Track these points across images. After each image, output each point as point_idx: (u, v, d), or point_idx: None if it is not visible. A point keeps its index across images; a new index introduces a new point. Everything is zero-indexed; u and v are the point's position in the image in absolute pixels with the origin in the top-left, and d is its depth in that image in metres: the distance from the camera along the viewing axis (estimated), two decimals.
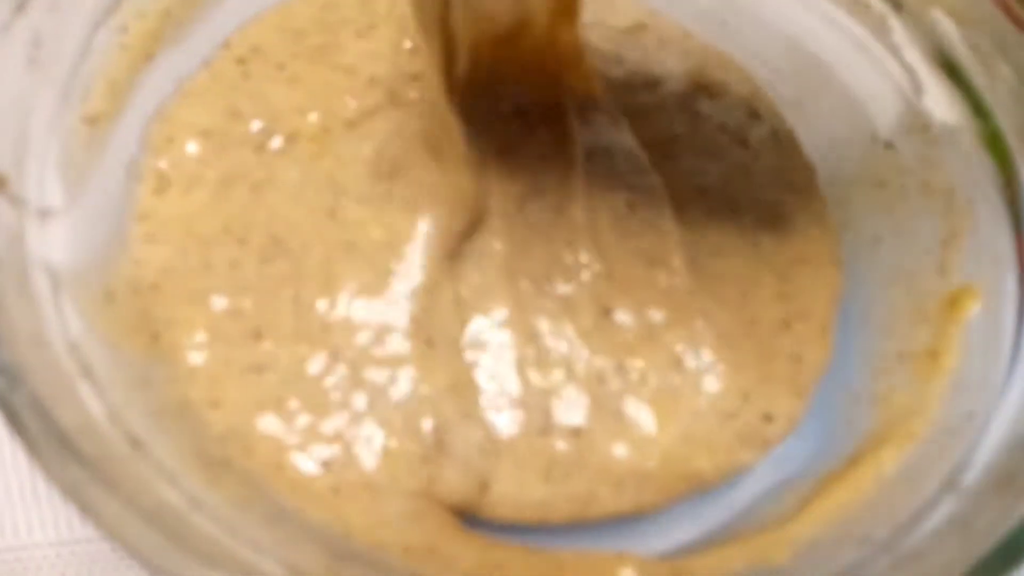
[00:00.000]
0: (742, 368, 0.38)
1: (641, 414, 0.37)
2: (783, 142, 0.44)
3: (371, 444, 0.35)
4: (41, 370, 0.30)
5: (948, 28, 0.39)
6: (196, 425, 0.34)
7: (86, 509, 0.28)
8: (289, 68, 0.42)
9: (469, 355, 0.37)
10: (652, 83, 0.44)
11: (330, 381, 0.36)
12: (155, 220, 0.38)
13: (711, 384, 0.38)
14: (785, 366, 0.39)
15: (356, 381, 0.36)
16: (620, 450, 0.36)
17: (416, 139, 0.41)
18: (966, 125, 0.38)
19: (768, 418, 0.38)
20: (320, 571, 0.30)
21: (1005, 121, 0.37)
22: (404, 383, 0.36)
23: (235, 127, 0.40)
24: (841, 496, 0.35)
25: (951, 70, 0.39)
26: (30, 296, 0.31)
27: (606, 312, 0.38)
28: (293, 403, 0.35)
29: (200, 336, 0.36)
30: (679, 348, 0.38)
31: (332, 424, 0.35)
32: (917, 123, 0.40)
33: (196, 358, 0.36)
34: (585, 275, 0.39)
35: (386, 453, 0.35)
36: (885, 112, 0.41)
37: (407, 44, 0.43)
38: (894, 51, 0.40)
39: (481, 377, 0.37)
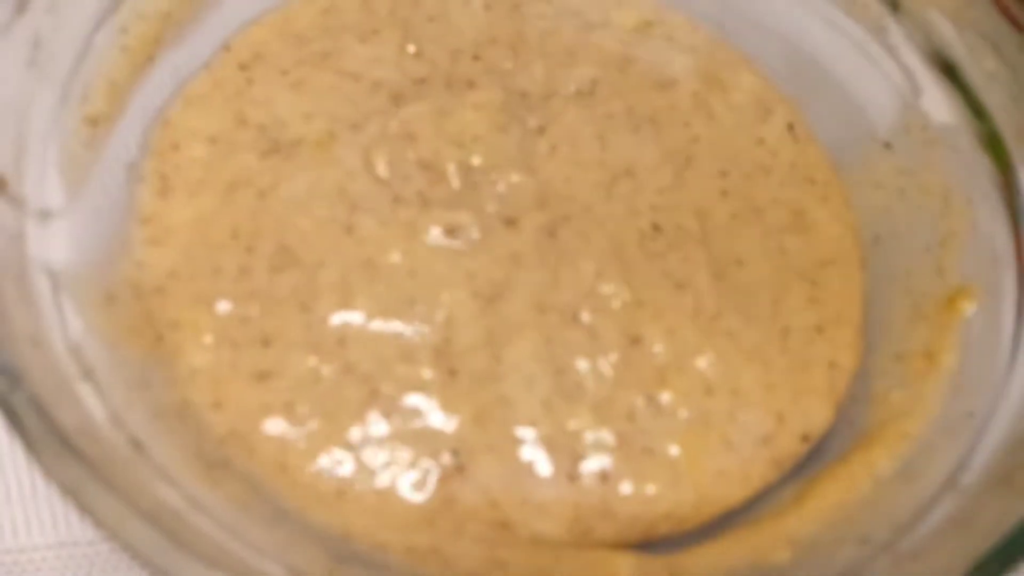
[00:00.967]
0: (776, 387, 0.37)
1: (672, 451, 0.36)
2: (798, 135, 0.43)
3: (385, 457, 0.35)
4: (41, 371, 0.30)
5: (945, 28, 0.39)
6: (197, 426, 0.34)
7: (86, 510, 0.28)
8: (293, 74, 0.42)
9: (493, 388, 0.36)
10: (665, 84, 0.44)
11: (343, 393, 0.35)
12: (158, 224, 0.38)
13: (744, 409, 0.37)
14: (820, 376, 0.38)
15: (372, 396, 0.35)
16: (650, 491, 0.35)
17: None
18: (964, 125, 0.38)
19: (806, 438, 0.37)
20: (320, 572, 0.30)
21: (1003, 121, 0.37)
22: (424, 407, 0.35)
23: (239, 133, 0.40)
24: (836, 495, 0.35)
25: (949, 70, 0.39)
26: (30, 297, 0.31)
27: (634, 341, 0.37)
28: (302, 408, 0.35)
29: (205, 339, 0.36)
30: (709, 374, 0.37)
31: (343, 432, 0.35)
32: (915, 123, 0.40)
33: (200, 361, 0.35)
34: (614, 303, 0.38)
35: (401, 465, 0.34)
36: (883, 113, 0.41)
37: (411, 48, 0.44)
38: (892, 52, 0.40)
39: (506, 411, 0.36)
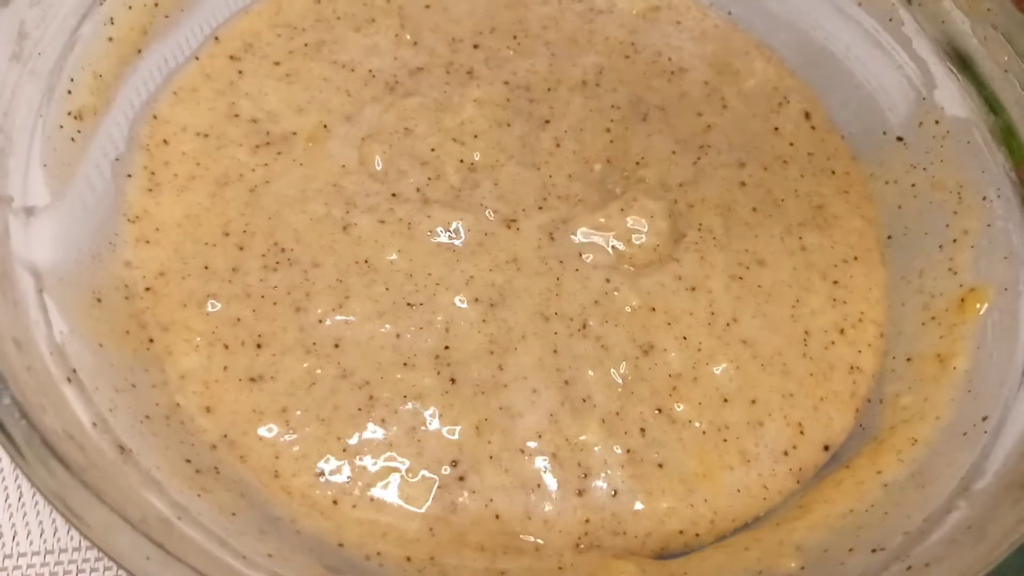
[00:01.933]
0: (796, 395, 0.36)
1: (688, 467, 0.35)
2: (816, 123, 0.42)
3: (382, 465, 0.34)
4: (25, 374, 0.29)
5: (959, 20, 0.38)
6: (185, 431, 0.33)
7: (72, 518, 0.27)
8: (285, 65, 0.41)
9: (496, 398, 0.35)
10: (675, 72, 0.43)
11: (339, 398, 0.34)
12: (148, 222, 0.37)
13: (764, 423, 0.36)
14: (842, 381, 0.37)
15: (368, 403, 0.35)
16: (663, 507, 0.34)
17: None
18: (978, 119, 0.37)
19: (827, 447, 0.36)
20: None
21: (1018, 115, 0.36)
22: (424, 416, 0.34)
23: (230, 127, 0.39)
24: (844, 502, 0.34)
25: (963, 63, 0.38)
26: (14, 298, 0.30)
27: (646, 351, 0.36)
28: (296, 414, 0.34)
29: (196, 341, 0.35)
30: (727, 384, 0.36)
31: (339, 439, 0.34)
32: (928, 117, 0.39)
33: (190, 364, 0.35)
34: (624, 310, 0.37)
35: (398, 474, 0.34)
36: (896, 106, 0.40)
37: (407, 37, 0.42)
38: (905, 43, 0.39)
39: (510, 422, 0.35)
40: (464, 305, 0.36)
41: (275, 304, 0.36)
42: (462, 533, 0.33)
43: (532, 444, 0.34)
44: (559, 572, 0.33)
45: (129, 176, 0.37)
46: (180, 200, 0.37)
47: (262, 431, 0.34)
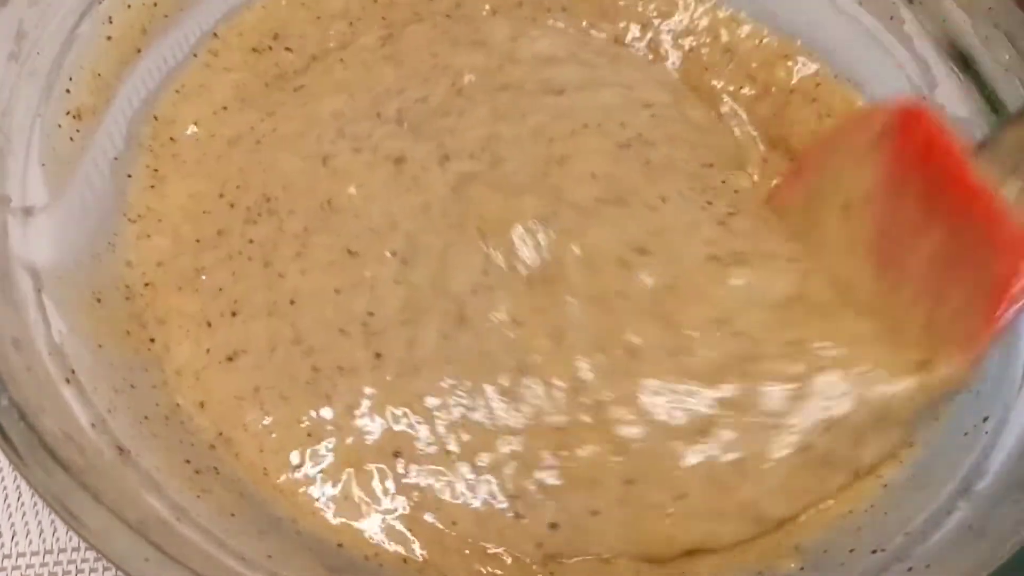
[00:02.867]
0: (865, 402, 0.32)
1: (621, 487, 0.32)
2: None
3: (334, 457, 0.32)
4: (23, 375, 0.29)
5: (960, 19, 0.38)
6: (185, 431, 0.33)
7: (71, 521, 0.27)
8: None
9: (414, 382, 0.33)
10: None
11: (294, 369, 0.33)
12: (149, 219, 0.37)
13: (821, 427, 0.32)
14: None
15: (313, 375, 0.33)
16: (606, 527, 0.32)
17: None
18: (979, 119, 0.37)
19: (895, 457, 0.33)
20: None
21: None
22: (361, 395, 0.33)
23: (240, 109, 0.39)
24: (843, 503, 0.33)
25: (964, 62, 0.38)
26: (12, 298, 0.30)
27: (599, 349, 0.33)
28: (265, 392, 0.33)
29: (188, 328, 0.34)
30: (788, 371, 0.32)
31: (299, 423, 0.33)
32: None
33: (183, 355, 0.34)
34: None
35: (351, 468, 0.32)
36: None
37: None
38: (905, 42, 0.39)
39: (434, 413, 0.32)
40: (389, 256, 0.35)
41: (249, 260, 0.35)
42: (438, 537, 0.32)
43: (466, 437, 0.32)
44: None
45: (129, 176, 0.37)
46: (184, 184, 0.37)
47: (247, 420, 0.33)
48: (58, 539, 0.34)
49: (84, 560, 0.34)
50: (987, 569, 0.28)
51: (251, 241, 0.36)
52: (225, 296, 0.35)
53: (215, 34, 0.41)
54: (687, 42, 0.43)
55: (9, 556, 0.34)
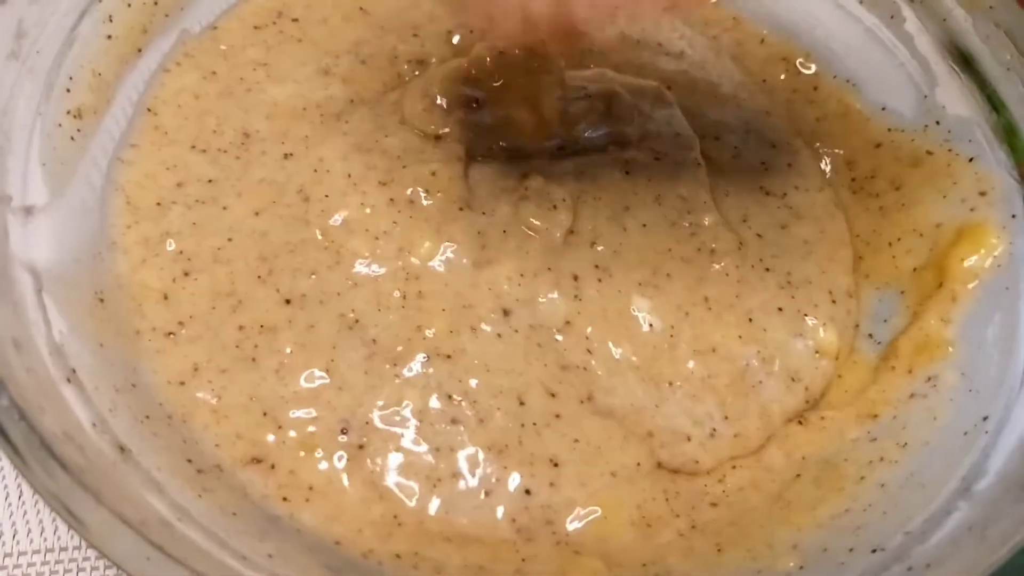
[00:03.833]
0: None
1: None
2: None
3: (294, 433, 0.32)
4: (24, 375, 0.29)
5: (961, 18, 0.38)
6: (187, 429, 0.33)
7: (71, 520, 0.27)
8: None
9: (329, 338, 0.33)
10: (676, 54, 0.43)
11: (225, 329, 0.33)
12: (149, 215, 0.37)
13: None
14: None
15: (241, 334, 0.33)
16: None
17: None
18: (980, 118, 0.37)
19: None
20: None
21: (1020, 114, 0.36)
22: (282, 352, 0.33)
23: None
24: (839, 501, 0.33)
25: (964, 61, 0.38)
26: (12, 298, 0.30)
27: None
28: (212, 366, 0.33)
29: (168, 311, 0.34)
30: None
31: (251, 399, 0.33)
32: (930, 116, 0.39)
33: (168, 343, 0.34)
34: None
35: (305, 451, 0.32)
36: (897, 104, 0.40)
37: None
38: (906, 41, 0.39)
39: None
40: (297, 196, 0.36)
41: (203, 204, 0.35)
42: (421, 521, 0.32)
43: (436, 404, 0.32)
44: (523, 564, 0.32)
45: (128, 172, 0.37)
46: (171, 147, 0.37)
47: (204, 401, 0.32)
48: (59, 537, 0.34)
49: (85, 558, 0.34)
50: (987, 569, 0.28)
51: (210, 181, 0.36)
52: (183, 259, 0.35)
53: (216, 34, 0.41)
54: (687, 42, 0.44)
55: (10, 554, 0.34)
